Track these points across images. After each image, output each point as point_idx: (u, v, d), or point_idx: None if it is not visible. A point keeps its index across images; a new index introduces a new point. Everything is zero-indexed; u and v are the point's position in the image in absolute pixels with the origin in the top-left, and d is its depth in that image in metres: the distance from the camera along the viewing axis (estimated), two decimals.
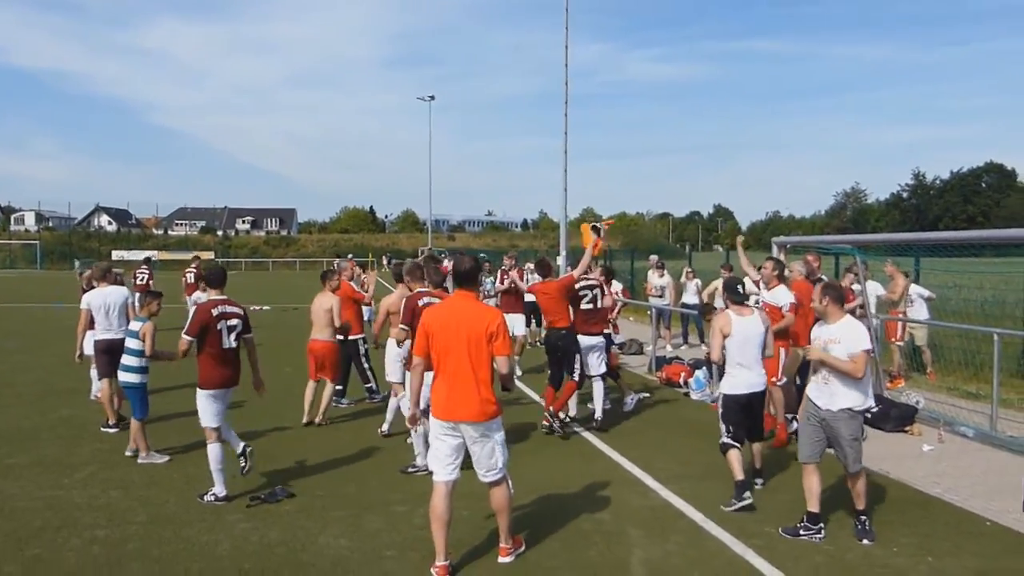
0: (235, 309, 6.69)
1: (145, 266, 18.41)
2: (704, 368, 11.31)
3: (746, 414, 6.67)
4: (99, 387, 9.26)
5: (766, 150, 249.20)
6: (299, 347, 8.39)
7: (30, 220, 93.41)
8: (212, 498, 6.48)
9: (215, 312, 6.52)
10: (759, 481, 6.96)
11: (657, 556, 5.44)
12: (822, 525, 5.80)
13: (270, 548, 5.52)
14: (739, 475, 6.37)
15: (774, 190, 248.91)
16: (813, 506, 5.81)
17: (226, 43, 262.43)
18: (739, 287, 6.93)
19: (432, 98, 60.94)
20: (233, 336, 6.59)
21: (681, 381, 11.68)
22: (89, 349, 8.99)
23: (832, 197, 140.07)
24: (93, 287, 9.20)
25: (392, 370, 8.10)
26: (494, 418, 5.15)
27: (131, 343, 7.57)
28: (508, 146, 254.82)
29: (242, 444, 6.83)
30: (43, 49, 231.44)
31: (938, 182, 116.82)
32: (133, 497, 6.60)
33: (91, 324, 8.81)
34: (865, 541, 5.69)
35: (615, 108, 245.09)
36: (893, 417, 8.98)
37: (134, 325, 7.72)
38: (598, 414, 9.16)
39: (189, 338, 6.44)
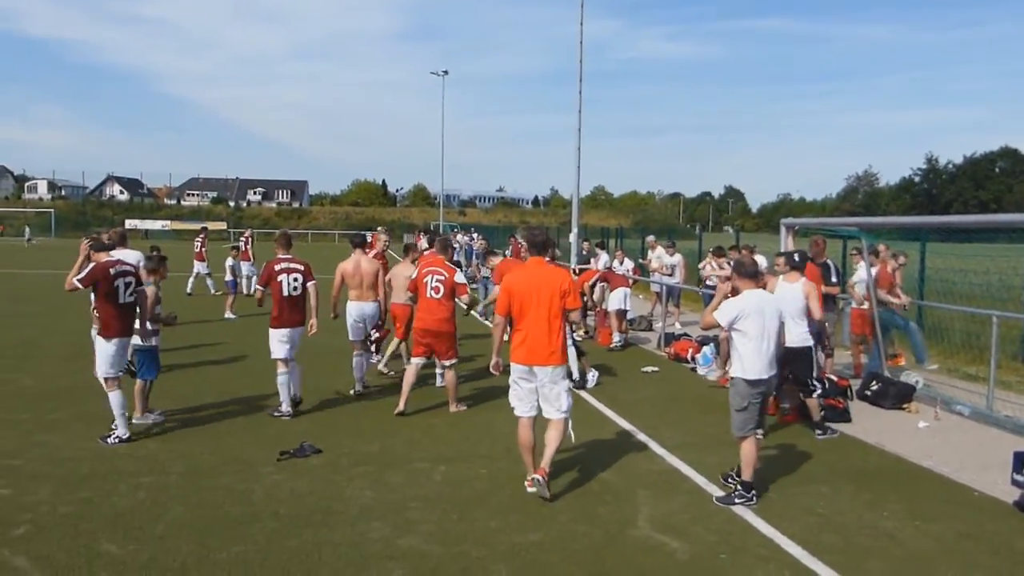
0: (298, 264, 8.35)
1: (202, 235, 20.57)
2: (711, 345, 11.65)
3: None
4: None
5: (777, 132, 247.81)
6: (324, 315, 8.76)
7: (43, 189, 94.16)
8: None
9: (278, 267, 8.23)
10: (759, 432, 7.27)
11: (661, 513, 5.83)
12: (754, 492, 6.06)
13: (301, 497, 5.94)
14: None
15: (785, 172, 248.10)
16: (747, 475, 6.10)
17: (233, 12, 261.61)
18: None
19: (446, 73, 60.87)
20: (295, 285, 8.24)
21: (689, 357, 12.03)
22: None
23: (844, 180, 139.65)
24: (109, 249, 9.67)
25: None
26: (562, 364, 6.09)
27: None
28: (519, 123, 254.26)
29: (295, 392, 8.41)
30: (48, 17, 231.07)
31: (951, 167, 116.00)
32: (170, 449, 7.02)
33: None
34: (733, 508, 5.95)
35: (627, 86, 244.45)
36: (891, 395, 9.33)
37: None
38: (574, 375, 9.52)
39: (260, 287, 8.51)
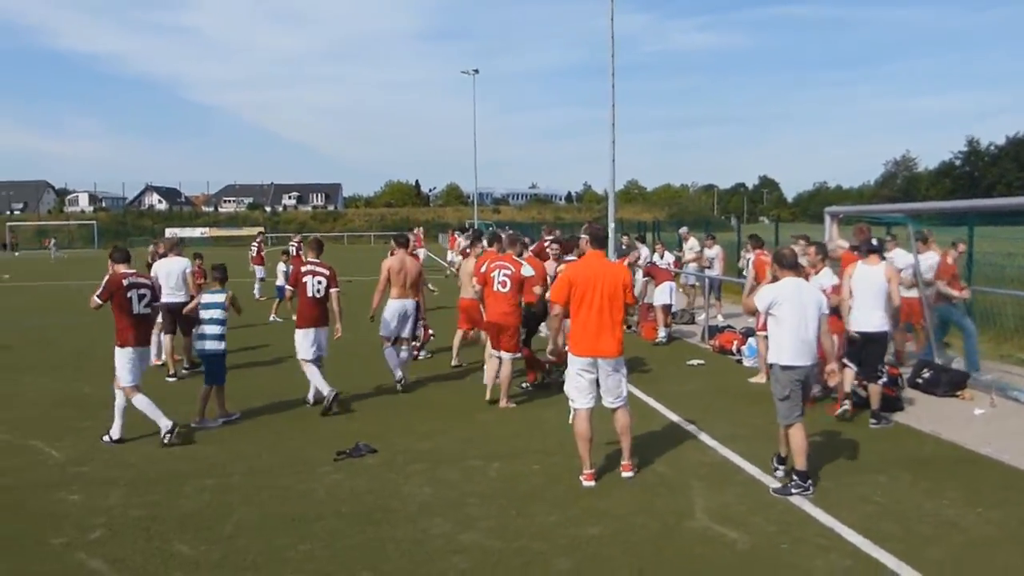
0: (323, 269, 8.75)
1: (258, 239, 22.59)
2: (755, 336, 11.59)
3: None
4: (165, 346, 10.66)
5: (811, 120, 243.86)
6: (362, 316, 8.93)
7: (84, 201, 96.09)
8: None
9: (304, 269, 8.74)
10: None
11: (717, 504, 5.84)
12: (811, 482, 6.05)
13: (360, 495, 6.05)
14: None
15: (820, 160, 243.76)
16: (800, 463, 6.08)
17: (259, 17, 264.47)
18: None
19: (476, 71, 60.94)
20: (319, 288, 8.65)
21: (734, 349, 11.99)
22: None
23: (882, 166, 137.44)
24: (162, 257, 10.73)
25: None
26: (622, 355, 6.28)
27: (210, 313, 8.05)
28: (550, 118, 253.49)
29: (327, 388, 8.50)
30: (78, 30, 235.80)
31: (992, 148, 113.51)
32: (228, 451, 7.20)
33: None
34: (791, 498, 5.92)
35: (658, 79, 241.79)
36: (944, 382, 9.21)
37: (216, 296, 8.13)
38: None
39: (290, 288, 9.03)
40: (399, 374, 9.49)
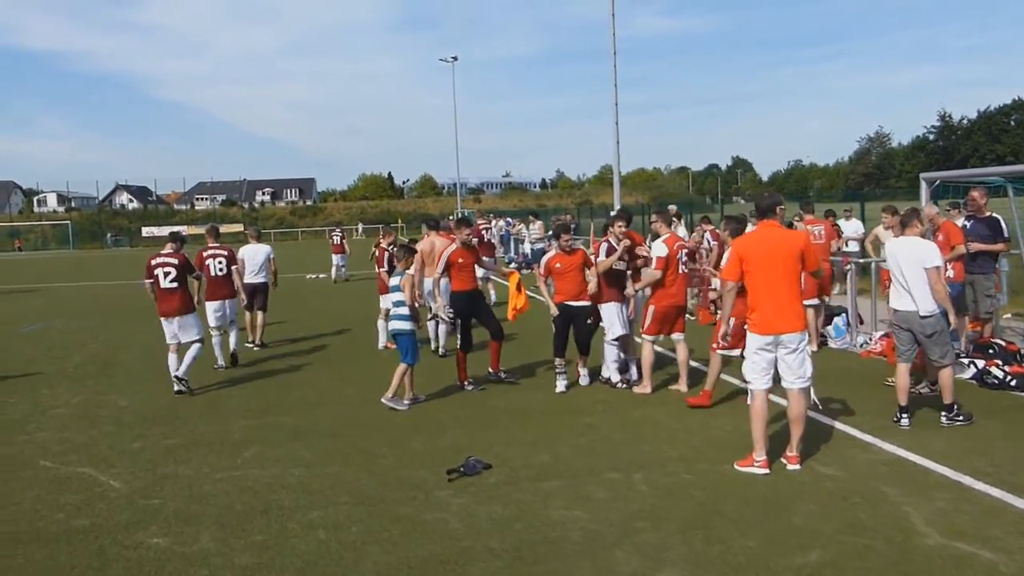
0: (222, 251, 10.38)
1: (339, 230, 25.70)
2: (843, 315, 10.71)
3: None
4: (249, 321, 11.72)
5: (780, 99, 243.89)
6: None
7: (52, 201, 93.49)
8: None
9: (206, 253, 10.33)
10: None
11: (931, 513, 4.93)
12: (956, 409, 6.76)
13: (505, 525, 5.02)
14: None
15: (792, 139, 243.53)
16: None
17: (226, 13, 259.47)
18: None
19: (455, 59, 59.93)
20: (221, 267, 10.31)
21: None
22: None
23: (856, 143, 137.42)
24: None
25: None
26: (806, 330, 5.88)
27: (398, 295, 8.08)
28: (520, 107, 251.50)
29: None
30: (44, 29, 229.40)
31: (965, 122, 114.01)
32: (318, 474, 6.12)
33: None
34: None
35: (627, 65, 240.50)
36: None
37: (395, 279, 8.18)
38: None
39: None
40: (440, 345, 10.64)
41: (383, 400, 8.00)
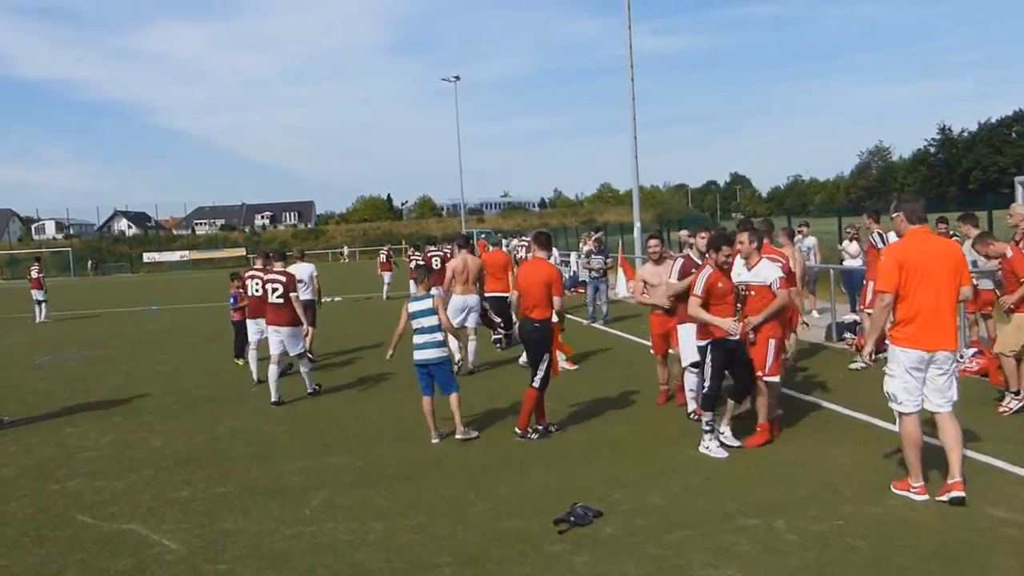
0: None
1: (386, 249, 26.01)
2: None
3: None
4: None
5: (778, 115, 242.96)
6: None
7: (51, 229, 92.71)
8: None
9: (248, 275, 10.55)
10: None
11: None
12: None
13: None
14: None
15: (792, 155, 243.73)
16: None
17: (224, 41, 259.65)
18: None
19: (457, 78, 59.72)
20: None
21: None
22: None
23: (856, 157, 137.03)
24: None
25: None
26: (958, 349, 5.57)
27: (432, 319, 7.32)
28: (517, 127, 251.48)
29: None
30: (44, 57, 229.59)
31: (966, 135, 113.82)
32: (402, 528, 5.30)
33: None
34: None
35: (622, 82, 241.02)
36: None
37: (426, 302, 7.35)
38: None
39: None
40: (469, 358, 10.66)
41: (457, 437, 7.37)
